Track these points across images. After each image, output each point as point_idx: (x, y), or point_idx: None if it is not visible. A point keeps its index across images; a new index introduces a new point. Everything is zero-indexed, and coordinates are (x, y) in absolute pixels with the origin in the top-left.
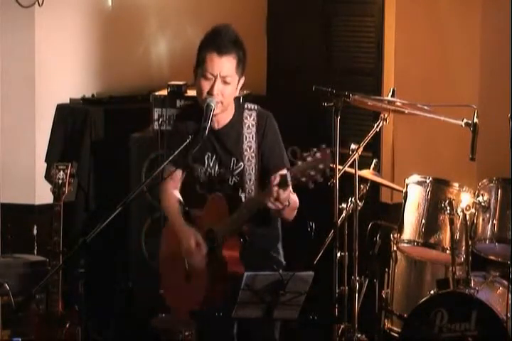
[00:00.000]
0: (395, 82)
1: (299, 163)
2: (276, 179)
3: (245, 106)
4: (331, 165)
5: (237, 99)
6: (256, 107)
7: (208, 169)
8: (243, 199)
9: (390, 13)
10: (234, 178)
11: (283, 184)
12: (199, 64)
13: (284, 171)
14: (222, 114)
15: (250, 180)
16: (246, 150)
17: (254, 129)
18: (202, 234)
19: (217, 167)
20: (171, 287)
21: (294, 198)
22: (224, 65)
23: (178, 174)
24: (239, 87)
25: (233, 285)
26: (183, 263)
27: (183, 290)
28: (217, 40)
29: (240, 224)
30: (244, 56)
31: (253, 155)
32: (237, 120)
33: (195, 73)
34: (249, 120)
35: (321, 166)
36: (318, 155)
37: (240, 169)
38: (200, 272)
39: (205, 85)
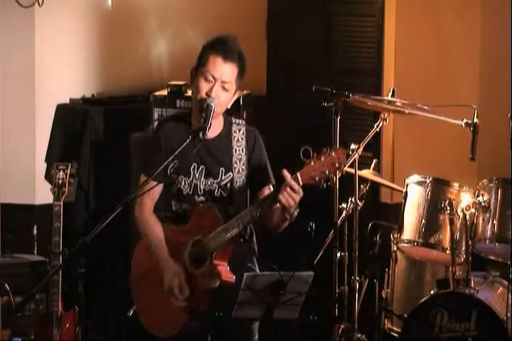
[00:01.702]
0: (395, 82)
1: (312, 163)
2: (287, 175)
3: (233, 120)
4: (345, 164)
5: (224, 114)
6: (243, 122)
7: (194, 180)
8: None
9: (390, 13)
10: (221, 189)
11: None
12: (200, 64)
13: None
14: (211, 125)
15: (241, 193)
16: (236, 162)
17: (243, 143)
18: (189, 245)
19: (203, 178)
20: (149, 307)
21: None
22: (226, 71)
23: (158, 189)
24: (232, 100)
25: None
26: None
27: (164, 308)
28: (223, 46)
29: (238, 231)
30: (244, 70)
31: (243, 167)
32: (226, 133)
33: (194, 73)
34: (239, 134)
35: (336, 165)
36: (332, 154)
37: (228, 179)
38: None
39: (204, 86)
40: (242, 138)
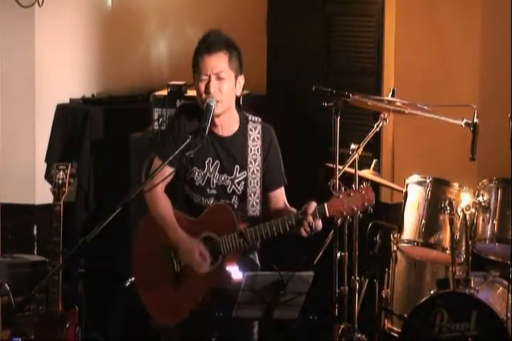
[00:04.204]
0: (395, 82)
1: (341, 196)
2: (311, 207)
3: (249, 118)
4: (374, 203)
5: (241, 111)
6: (259, 120)
7: (208, 174)
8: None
9: (390, 13)
10: (233, 186)
11: (320, 214)
12: (195, 71)
13: (313, 204)
14: (227, 122)
15: (255, 193)
16: (251, 162)
17: (259, 142)
18: (199, 239)
19: (217, 173)
20: (152, 292)
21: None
22: (214, 62)
23: (168, 173)
24: (239, 87)
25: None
26: (169, 265)
27: (170, 293)
28: (205, 43)
29: (255, 241)
30: (239, 54)
31: (258, 168)
32: (242, 132)
33: (194, 80)
34: (254, 133)
35: (365, 203)
36: (363, 192)
37: (242, 177)
38: (194, 274)
39: (202, 86)
40: (257, 138)
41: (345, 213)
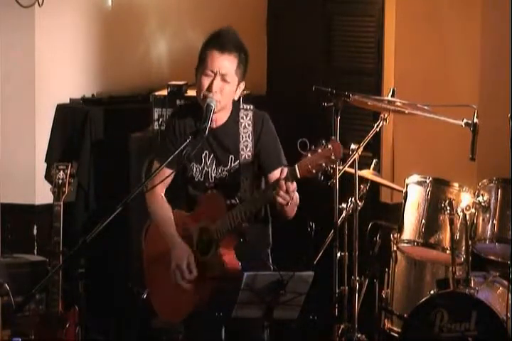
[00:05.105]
0: (395, 82)
1: (309, 154)
2: (284, 172)
3: (241, 106)
4: (342, 156)
5: (233, 102)
6: (251, 107)
7: (205, 168)
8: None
9: (390, 13)
10: (230, 177)
11: (292, 176)
12: (200, 62)
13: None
14: (219, 114)
15: (246, 178)
16: (242, 149)
17: (250, 129)
18: (196, 231)
19: (214, 165)
20: (159, 289)
21: (296, 195)
22: (224, 62)
23: (167, 174)
24: (238, 92)
25: (230, 285)
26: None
27: (173, 292)
28: (219, 39)
29: (240, 220)
30: (246, 60)
31: (249, 154)
32: (234, 120)
33: (196, 72)
34: (246, 120)
35: (332, 157)
36: (329, 146)
37: (237, 167)
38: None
39: (205, 82)
40: (248, 124)
41: (314, 171)
